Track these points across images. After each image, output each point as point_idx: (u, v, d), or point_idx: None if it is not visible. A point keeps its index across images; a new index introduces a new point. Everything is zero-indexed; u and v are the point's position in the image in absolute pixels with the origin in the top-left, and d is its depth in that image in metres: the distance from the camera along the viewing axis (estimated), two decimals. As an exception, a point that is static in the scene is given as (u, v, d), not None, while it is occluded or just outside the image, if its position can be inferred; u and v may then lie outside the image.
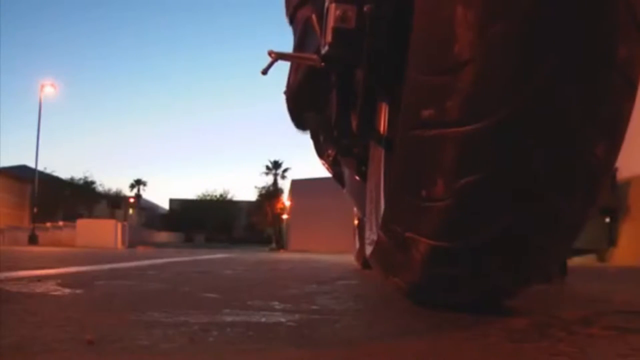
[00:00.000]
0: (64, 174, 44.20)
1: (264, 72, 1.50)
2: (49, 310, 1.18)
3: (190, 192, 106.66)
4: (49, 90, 26.78)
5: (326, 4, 1.27)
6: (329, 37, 1.25)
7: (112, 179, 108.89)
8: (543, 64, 0.84)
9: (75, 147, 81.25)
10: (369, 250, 1.70)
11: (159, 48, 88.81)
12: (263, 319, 1.09)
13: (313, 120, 1.92)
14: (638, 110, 1.02)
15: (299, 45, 1.61)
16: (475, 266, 1.05)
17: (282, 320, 1.08)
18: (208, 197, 56.98)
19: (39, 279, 2.11)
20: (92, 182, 42.52)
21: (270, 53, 1.44)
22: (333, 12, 1.23)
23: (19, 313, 1.12)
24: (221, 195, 56.92)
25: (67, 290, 1.65)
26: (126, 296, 1.60)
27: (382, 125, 1.51)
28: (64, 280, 2.04)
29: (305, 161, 72.88)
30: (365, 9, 1.20)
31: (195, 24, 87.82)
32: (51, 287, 1.73)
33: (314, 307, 1.34)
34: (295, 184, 27.82)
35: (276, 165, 51.26)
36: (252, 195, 62.83)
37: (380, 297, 1.78)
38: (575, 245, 1.21)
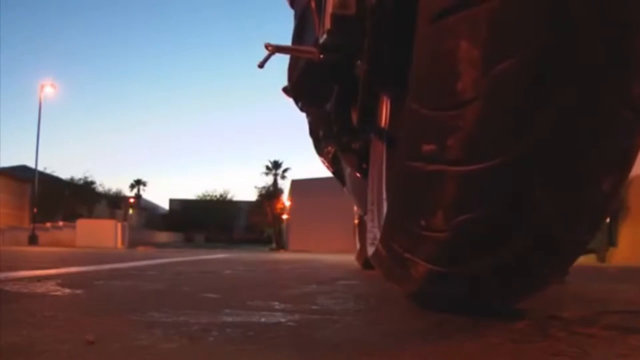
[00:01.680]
0: (64, 174, 44.25)
1: (261, 65, 1.45)
2: (49, 310, 1.18)
3: (190, 192, 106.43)
4: (49, 90, 26.75)
5: None
6: (327, 24, 1.18)
7: (112, 179, 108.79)
8: (551, 105, 0.79)
9: (75, 147, 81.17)
10: (370, 250, 1.69)
11: (159, 48, 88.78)
12: (263, 319, 1.09)
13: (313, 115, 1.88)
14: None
15: (297, 37, 1.56)
16: (474, 286, 1.05)
17: (282, 320, 1.08)
18: (208, 197, 56.91)
19: (39, 279, 2.12)
20: (92, 182, 42.40)
21: (267, 46, 1.40)
22: None
23: (19, 313, 1.12)
24: (221, 196, 56.87)
25: (67, 290, 1.65)
26: (126, 296, 1.60)
27: (384, 119, 1.46)
28: (64, 280, 2.04)
29: (305, 161, 73.12)
30: None
31: (195, 24, 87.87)
32: (51, 287, 1.73)
33: (314, 307, 1.34)
34: (295, 184, 27.77)
35: (276, 165, 51.21)
36: (252, 196, 62.83)
37: (381, 298, 1.78)
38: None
